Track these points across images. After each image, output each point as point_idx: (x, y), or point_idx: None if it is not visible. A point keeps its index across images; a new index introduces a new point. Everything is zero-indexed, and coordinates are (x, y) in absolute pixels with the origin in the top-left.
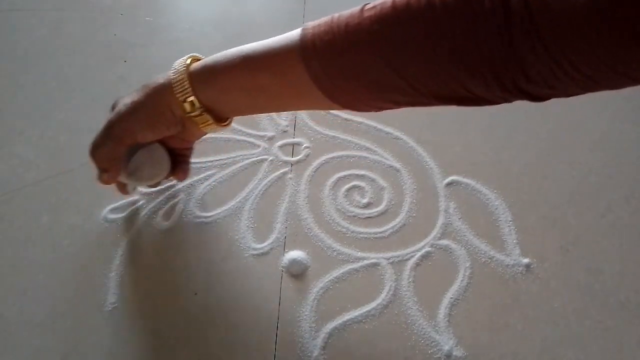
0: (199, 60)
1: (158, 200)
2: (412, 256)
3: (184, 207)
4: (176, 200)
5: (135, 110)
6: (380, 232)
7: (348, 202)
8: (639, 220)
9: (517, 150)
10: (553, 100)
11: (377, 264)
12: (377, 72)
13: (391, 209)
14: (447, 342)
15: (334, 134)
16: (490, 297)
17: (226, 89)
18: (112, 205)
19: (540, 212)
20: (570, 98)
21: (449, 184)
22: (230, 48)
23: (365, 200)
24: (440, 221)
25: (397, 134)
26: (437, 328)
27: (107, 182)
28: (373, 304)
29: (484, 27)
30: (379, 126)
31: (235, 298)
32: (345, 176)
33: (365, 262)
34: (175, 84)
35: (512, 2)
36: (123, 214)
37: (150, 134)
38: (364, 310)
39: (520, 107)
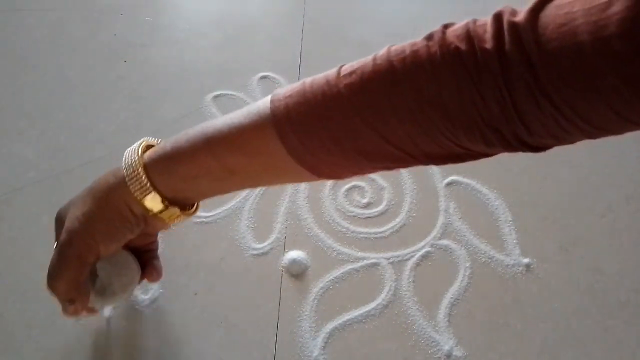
0: (150, 146)
1: None
2: (412, 256)
3: None
4: None
5: (90, 221)
6: (380, 232)
7: (348, 202)
8: (639, 220)
9: None
10: None
11: (377, 264)
12: (364, 141)
13: (391, 209)
14: (447, 342)
15: None
16: (490, 297)
17: (190, 177)
18: None
19: (540, 212)
20: None
21: (449, 184)
22: (230, 48)
23: (365, 200)
24: (440, 221)
25: None
26: (437, 328)
27: (76, 313)
28: (373, 304)
29: (478, 83)
30: None
31: (235, 298)
32: None
33: (365, 262)
34: (130, 181)
35: (508, 53)
36: None
37: (114, 244)
38: (364, 310)
39: None
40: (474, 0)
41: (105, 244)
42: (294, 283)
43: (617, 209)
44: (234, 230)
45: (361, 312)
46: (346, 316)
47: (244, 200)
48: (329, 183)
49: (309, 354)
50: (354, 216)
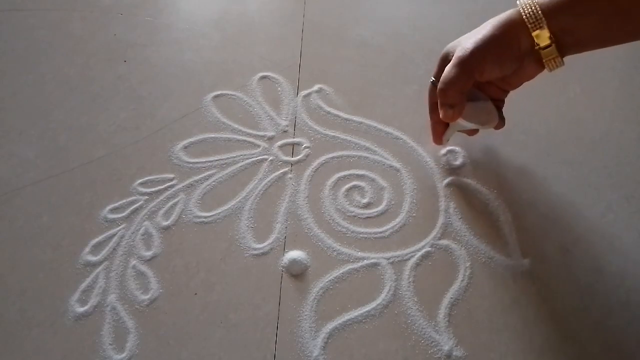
0: None
1: (158, 200)
2: (412, 256)
3: (184, 207)
4: (176, 200)
5: (485, 44)
6: (380, 232)
7: (348, 202)
8: (639, 220)
9: (516, 150)
10: (552, 100)
11: (377, 264)
12: None
13: (391, 209)
14: (447, 342)
15: (334, 134)
16: (490, 297)
17: (581, 14)
18: (112, 205)
19: (540, 212)
20: (570, 98)
21: (449, 184)
22: (230, 48)
23: (365, 200)
24: (440, 221)
25: (397, 134)
26: (437, 328)
27: (452, 119)
28: (373, 304)
29: None
30: (379, 126)
31: (235, 298)
32: (345, 176)
33: (365, 262)
34: (526, 14)
35: None
36: (123, 214)
37: (497, 69)
38: (364, 310)
39: (520, 106)
40: (473, 0)
41: (490, 65)
42: (294, 283)
43: (617, 209)
44: (234, 230)
45: (361, 312)
46: (346, 316)
47: (244, 200)
48: (329, 183)
49: (309, 354)
50: (354, 216)
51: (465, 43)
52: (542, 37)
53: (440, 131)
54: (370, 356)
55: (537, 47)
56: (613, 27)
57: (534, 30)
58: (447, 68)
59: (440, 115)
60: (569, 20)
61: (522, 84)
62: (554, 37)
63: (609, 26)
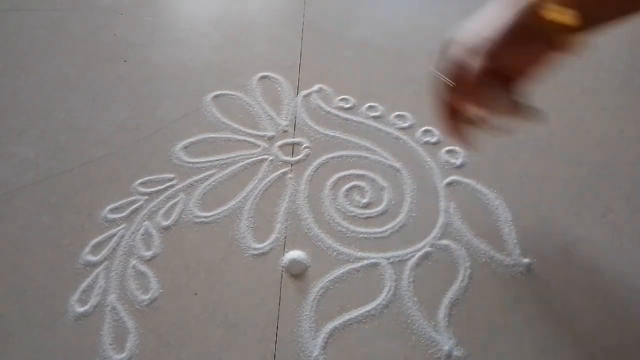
0: None
1: (158, 200)
2: (412, 256)
3: (184, 207)
4: (176, 200)
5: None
6: (380, 232)
7: (348, 202)
8: (639, 220)
9: (517, 150)
10: (552, 100)
11: (377, 264)
12: None
13: (391, 209)
14: (447, 342)
15: (334, 134)
16: (490, 297)
17: None
18: (112, 205)
19: (540, 212)
20: (570, 97)
21: (449, 184)
22: (230, 48)
23: (365, 200)
24: (440, 221)
25: (397, 134)
26: (437, 328)
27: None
28: (373, 304)
29: None
30: (379, 126)
31: (235, 298)
32: (345, 176)
33: (365, 262)
34: None
35: None
36: (123, 214)
37: (519, 55)
38: (364, 310)
39: None
40: (473, 0)
41: (515, 54)
42: (294, 283)
43: (617, 209)
44: (234, 230)
45: (361, 312)
46: (346, 316)
47: (244, 200)
48: (329, 183)
49: (309, 354)
50: (354, 216)
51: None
52: (563, 14)
53: (462, 128)
54: (370, 356)
55: (556, 24)
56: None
57: (553, 9)
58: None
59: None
60: None
61: (541, 68)
62: (578, 12)
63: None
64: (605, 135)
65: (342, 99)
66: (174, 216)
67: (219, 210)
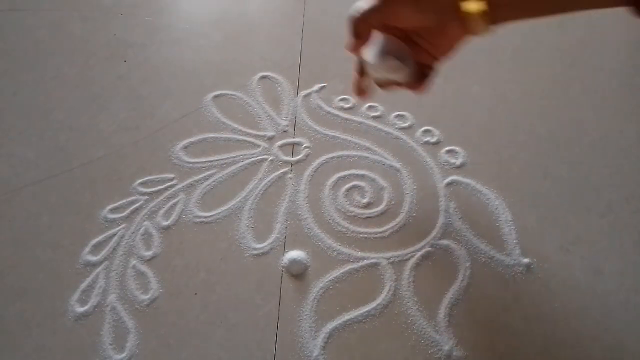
0: None
1: (158, 200)
2: (412, 256)
3: (184, 207)
4: (176, 200)
5: None
6: (380, 232)
7: (348, 202)
8: (639, 220)
9: (517, 150)
10: (552, 100)
11: (377, 264)
12: None
13: (391, 209)
14: (447, 342)
15: (334, 134)
16: (490, 297)
17: None
18: (112, 205)
19: (540, 212)
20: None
21: (449, 184)
22: (230, 48)
23: (365, 200)
24: (440, 221)
25: (397, 134)
26: (437, 328)
27: (353, 49)
28: (373, 304)
29: None
30: (379, 126)
31: (235, 298)
32: (345, 176)
33: (365, 262)
34: None
35: None
36: (123, 214)
37: (415, 16)
38: (364, 310)
39: (520, 106)
40: None
41: (407, 8)
42: (294, 283)
43: (617, 209)
44: (234, 230)
45: (361, 312)
46: (346, 316)
47: (244, 200)
48: (329, 183)
49: (309, 354)
50: (354, 216)
51: None
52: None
53: (359, 82)
54: (370, 356)
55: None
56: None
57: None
58: (367, 3)
59: (345, 44)
60: None
61: (448, 50)
62: None
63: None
64: (605, 135)
65: (342, 99)
66: (174, 216)
67: (219, 210)
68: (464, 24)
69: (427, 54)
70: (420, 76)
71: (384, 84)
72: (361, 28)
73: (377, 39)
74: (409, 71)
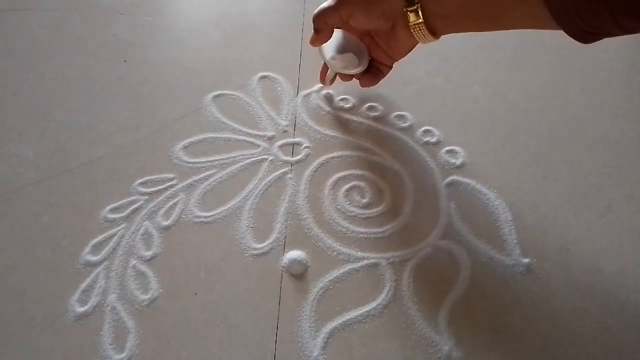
0: None
1: (158, 200)
2: (412, 256)
3: (184, 207)
4: (176, 200)
5: None
6: (380, 232)
7: (348, 202)
8: (639, 220)
9: (517, 150)
10: (552, 100)
11: (377, 264)
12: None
13: (391, 209)
14: (447, 342)
15: (334, 134)
16: (490, 297)
17: None
18: (112, 205)
19: (540, 212)
20: (570, 97)
21: (449, 184)
22: (230, 48)
23: (365, 200)
24: (440, 221)
25: (397, 134)
26: (437, 328)
27: (314, 43)
28: (373, 304)
29: None
30: (379, 126)
31: (235, 298)
32: (345, 176)
33: (365, 262)
34: None
35: None
36: (123, 214)
37: (366, 19)
38: (364, 310)
39: (520, 106)
40: None
41: (359, 11)
42: (294, 283)
43: (617, 209)
44: (234, 230)
45: (361, 312)
46: (346, 316)
47: (244, 200)
48: (329, 183)
49: (309, 354)
50: (354, 216)
51: None
52: (411, 1)
53: (324, 71)
54: (370, 356)
55: (405, 9)
56: (477, 4)
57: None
58: (328, 2)
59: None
60: None
61: (402, 52)
62: (420, 2)
63: (473, 10)
64: (605, 135)
65: (342, 99)
66: (174, 216)
67: (219, 210)
68: (410, 32)
69: (385, 53)
70: (376, 72)
71: (342, 76)
72: (319, 24)
73: (337, 35)
74: (363, 67)
